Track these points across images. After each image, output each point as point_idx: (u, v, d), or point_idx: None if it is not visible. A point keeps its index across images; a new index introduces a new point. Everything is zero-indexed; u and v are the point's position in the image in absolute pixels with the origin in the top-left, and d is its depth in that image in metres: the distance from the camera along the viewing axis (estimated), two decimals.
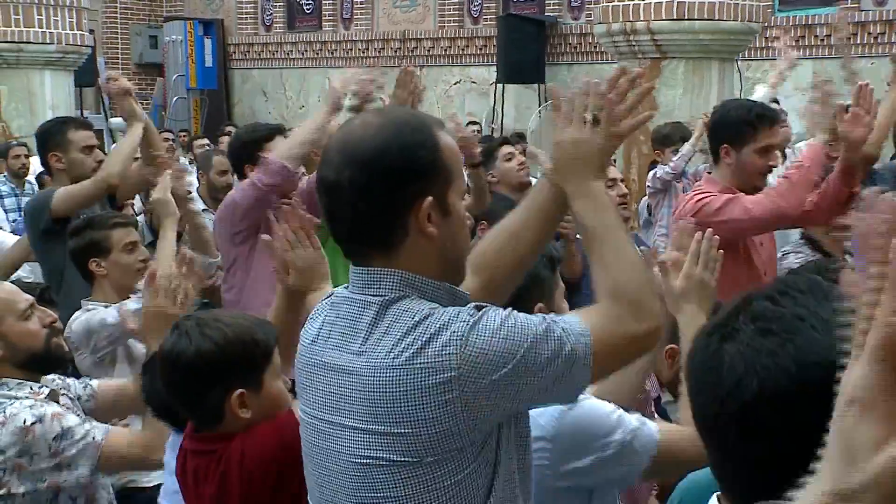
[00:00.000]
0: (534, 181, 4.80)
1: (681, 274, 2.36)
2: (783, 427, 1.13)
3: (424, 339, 1.61)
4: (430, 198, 1.67)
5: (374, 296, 1.69)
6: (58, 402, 2.82)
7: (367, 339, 1.66)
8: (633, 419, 2.19)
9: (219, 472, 2.23)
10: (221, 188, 6.27)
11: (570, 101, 1.88)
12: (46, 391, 2.84)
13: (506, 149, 5.27)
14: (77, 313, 3.66)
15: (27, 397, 2.76)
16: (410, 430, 1.61)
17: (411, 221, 1.67)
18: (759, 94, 5.28)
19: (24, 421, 2.65)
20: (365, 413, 1.65)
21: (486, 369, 1.59)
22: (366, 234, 1.71)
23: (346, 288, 1.76)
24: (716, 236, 2.38)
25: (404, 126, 1.70)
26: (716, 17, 7.82)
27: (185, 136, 11.98)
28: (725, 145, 3.83)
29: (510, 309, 1.67)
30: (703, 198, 3.79)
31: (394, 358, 1.62)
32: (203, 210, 6.20)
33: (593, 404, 2.18)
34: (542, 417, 2.14)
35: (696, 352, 1.22)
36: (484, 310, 1.65)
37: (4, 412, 2.69)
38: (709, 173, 4.21)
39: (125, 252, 3.72)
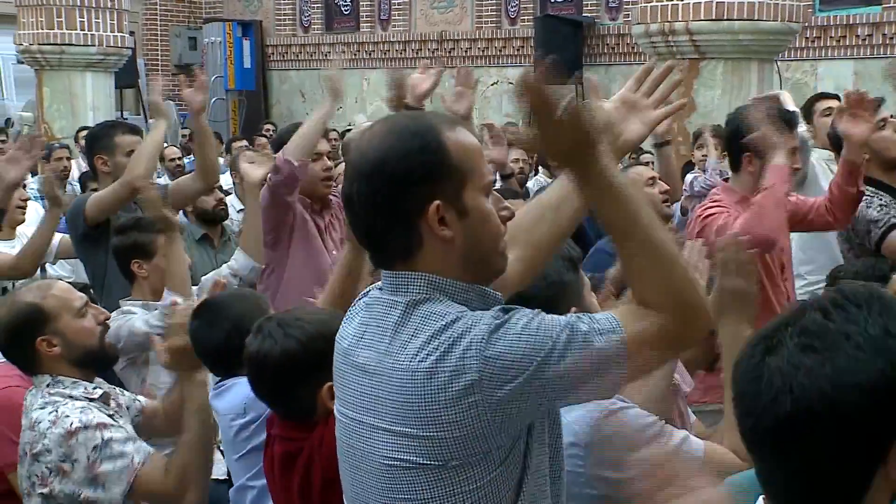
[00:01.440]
0: None
1: (715, 288, 2.33)
2: (815, 446, 1.13)
3: (449, 343, 1.60)
4: (437, 202, 1.65)
5: (401, 297, 1.69)
6: (108, 404, 2.85)
7: (394, 339, 1.67)
8: (677, 435, 2.17)
9: (304, 459, 2.27)
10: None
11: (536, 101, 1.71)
12: (100, 391, 2.86)
13: None
14: (114, 313, 3.70)
15: (82, 397, 2.79)
16: (435, 434, 1.60)
17: (423, 227, 1.66)
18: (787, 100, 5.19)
19: (71, 424, 2.67)
20: (392, 415, 1.65)
21: (510, 373, 1.57)
22: (383, 243, 1.71)
23: (380, 289, 1.76)
24: (745, 237, 2.35)
25: (405, 131, 1.69)
26: (755, 17, 7.75)
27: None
28: (748, 153, 3.77)
29: (538, 310, 1.64)
30: (710, 214, 3.75)
31: (420, 361, 1.61)
32: (240, 210, 6.24)
33: (634, 413, 2.16)
34: (577, 424, 2.13)
35: (741, 360, 1.22)
36: (511, 312, 1.62)
37: (57, 411, 2.71)
38: (726, 180, 4.15)
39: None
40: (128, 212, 4.27)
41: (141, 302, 3.71)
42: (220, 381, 2.83)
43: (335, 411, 1.87)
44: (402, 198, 1.65)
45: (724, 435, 2.26)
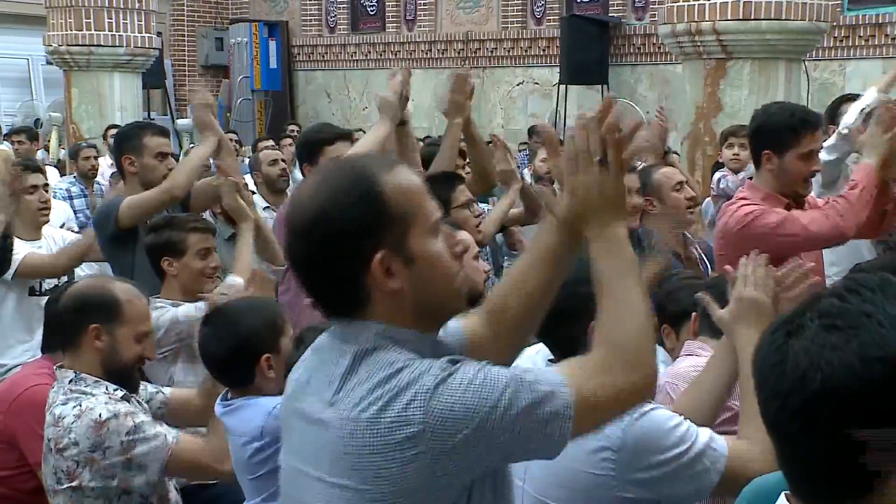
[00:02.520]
0: None
1: (732, 297, 2.33)
2: (845, 422, 1.12)
3: (394, 392, 1.54)
4: (379, 254, 1.58)
5: (351, 346, 1.63)
6: (129, 402, 2.87)
7: (340, 389, 1.60)
8: (703, 434, 2.16)
9: None
10: (277, 178, 6.34)
11: (574, 141, 1.74)
12: (121, 393, 2.88)
13: None
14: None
15: (103, 395, 2.81)
16: (374, 487, 1.54)
17: (369, 282, 1.59)
18: (869, 98, 5.16)
19: (100, 415, 2.70)
20: (331, 466, 1.59)
21: (454, 426, 1.52)
22: (331, 301, 1.65)
23: (329, 333, 1.71)
24: (764, 253, 2.35)
25: (340, 183, 1.61)
26: (783, 17, 7.70)
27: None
28: (767, 151, 3.75)
29: (486, 363, 1.58)
30: (752, 210, 3.71)
31: (361, 411, 1.55)
32: (265, 207, 6.27)
33: (661, 415, 2.15)
34: (608, 427, 2.13)
35: (761, 347, 1.22)
36: (458, 364, 1.56)
37: (80, 405, 2.74)
38: (750, 178, 4.14)
39: (198, 257, 3.80)
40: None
41: (170, 301, 3.73)
42: (228, 396, 2.82)
43: (279, 457, 1.81)
44: (343, 254, 1.59)
45: (741, 430, 2.26)
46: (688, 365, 2.80)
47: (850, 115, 5.04)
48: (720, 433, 2.84)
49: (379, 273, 1.58)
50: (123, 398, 2.85)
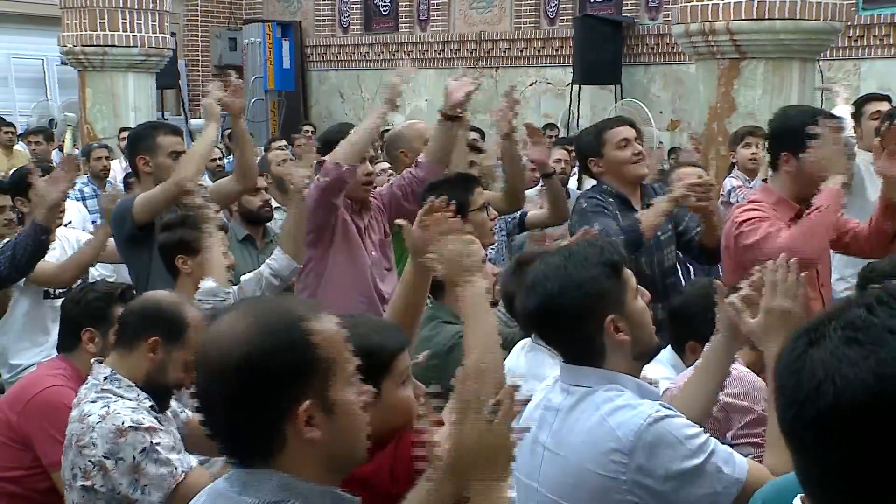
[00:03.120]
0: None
1: (761, 309, 2.27)
2: (857, 437, 1.12)
3: None
4: (306, 403, 1.52)
5: (250, 498, 1.55)
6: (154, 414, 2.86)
7: None
8: (720, 452, 2.14)
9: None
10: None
11: (465, 395, 1.81)
12: (150, 403, 2.83)
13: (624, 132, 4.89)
14: None
15: (133, 399, 2.81)
16: None
17: (289, 429, 1.53)
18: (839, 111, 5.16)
19: (122, 422, 2.67)
20: None
21: None
22: (243, 444, 1.57)
23: (228, 481, 1.63)
24: (793, 259, 2.31)
25: (270, 327, 1.55)
26: (797, 17, 7.68)
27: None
28: (786, 153, 3.73)
29: None
30: (749, 219, 3.69)
31: None
32: (276, 207, 6.28)
33: (678, 423, 2.13)
34: (620, 429, 2.12)
35: (783, 353, 1.22)
36: None
37: (108, 406, 2.72)
38: (765, 180, 4.11)
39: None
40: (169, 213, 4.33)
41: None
42: None
43: None
44: (269, 398, 1.52)
45: (766, 454, 2.24)
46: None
47: (841, 105, 5.03)
48: (742, 434, 2.82)
49: (302, 421, 1.53)
50: (151, 408, 2.82)
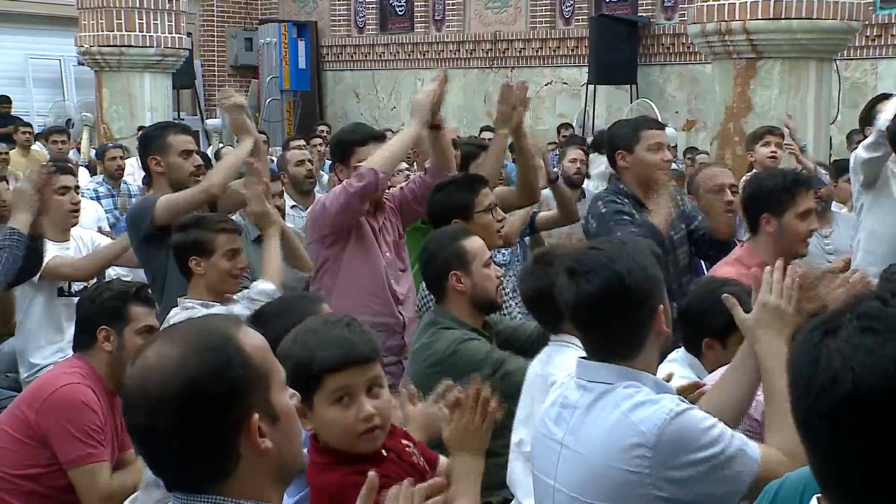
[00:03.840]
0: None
1: (756, 303, 2.34)
2: (874, 426, 1.12)
3: None
4: (255, 414, 1.53)
5: None
6: None
7: None
8: (736, 438, 2.17)
9: None
10: (303, 179, 6.35)
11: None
12: None
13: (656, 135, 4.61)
14: (175, 310, 3.74)
15: None
16: None
17: (243, 444, 1.53)
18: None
19: None
20: None
21: None
22: (196, 473, 1.54)
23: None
24: (800, 269, 2.35)
25: (204, 349, 1.53)
26: (814, 16, 7.64)
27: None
28: (766, 214, 3.78)
29: None
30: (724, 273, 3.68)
31: None
32: (292, 206, 6.29)
33: (696, 415, 2.16)
34: (643, 424, 2.13)
35: (797, 345, 1.22)
36: None
37: None
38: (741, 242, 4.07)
39: (226, 258, 3.79)
40: None
41: (200, 301, 3.75)
42: None
43: None
44: (219, 419, 1.51)
45: (767, 437, 2.26)
46: None
47: (889, 111, 4.98)
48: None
49: (255, 433, 1.53)
50: None
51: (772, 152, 6.35)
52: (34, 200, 4.04)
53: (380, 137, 4.55)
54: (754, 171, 6.50)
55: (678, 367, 3.08)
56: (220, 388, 1.51)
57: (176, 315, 3.68)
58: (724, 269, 3.78)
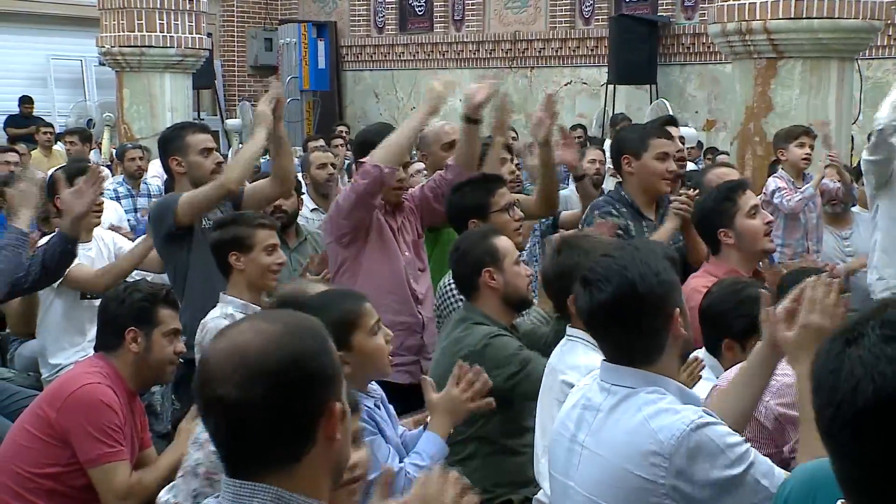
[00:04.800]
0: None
1: (797, 323, 2.26)
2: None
3: None
4: (338, 402, 1.57)
5: None
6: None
7: None
8: (760, 461, 2.14)
9: None
10: (323, 181, 6.37)
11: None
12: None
13: (662, 144, 4.57)
14: (214, 311, 3.78)
15: None
16: None
17: (320, 431, 1.56)
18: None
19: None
20: None
21: None
22: (270, 453, 1.55)
23: (214, 499, 1.64)
24: (837, 279, 2.29)
25: (303, 330, 1.59)
26: (836, 16, 7.59)
27: None
28: (721, 230, 3.84)
29: None
30: (695, 287, 3.64)
31: None
32: (313, 209, 6.31)
33: (720, 431, 2.13)
34: (662, 433, 2.12)
35: (820, 354, 1.21)
36: None
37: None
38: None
39: (265, 252, 3.83)
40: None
41: (241, 303, 3.78)
42: None
43: None
44: (310, 399, 1.55)
45: (800, 453, 2.23)
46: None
47: (884, 109, 4.96)
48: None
49: (337, 420, 1.56)
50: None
51: (806, 154, 6.29)
52: (38, 200, 4.10)
53: None
54: (780, 171, 6.41)
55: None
56: (315, 367, 1.56)
57: (215, 318, 3.71)
58: (695, 280, 3.79)
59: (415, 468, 2.82)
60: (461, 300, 3.86)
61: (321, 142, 8.96)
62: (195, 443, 2.74)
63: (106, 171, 9.12)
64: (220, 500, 1.58)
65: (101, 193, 5.16)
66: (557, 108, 4.60)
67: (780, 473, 2.14)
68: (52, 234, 4.31)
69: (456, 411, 2.95)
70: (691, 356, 2.81)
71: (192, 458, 2.71)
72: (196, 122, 5.21)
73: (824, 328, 2.22)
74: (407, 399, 3.96)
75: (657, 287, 2.22)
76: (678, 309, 2.26)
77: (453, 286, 3.99)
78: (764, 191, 6.41)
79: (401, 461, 2.88)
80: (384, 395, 3.01)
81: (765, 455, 2.24)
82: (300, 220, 5.78)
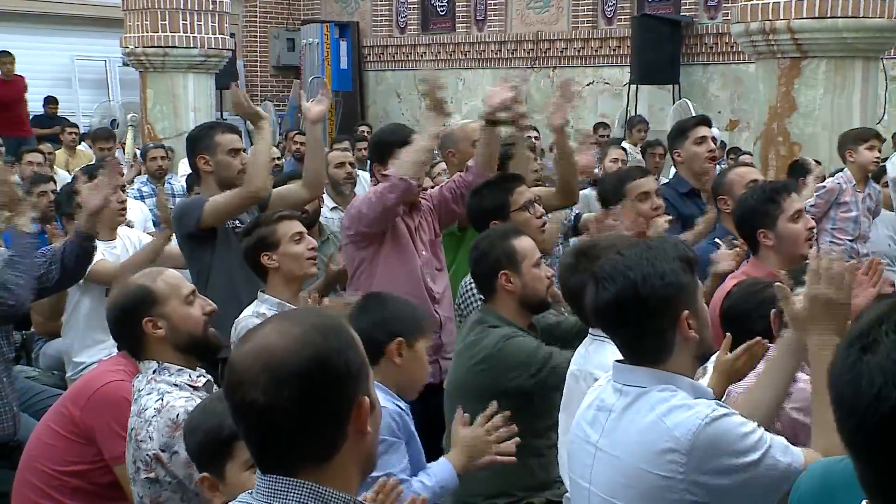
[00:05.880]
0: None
1: (805, 295, 2.28)
2: None
3: None
4: (366, 397, 1.57)
5: None
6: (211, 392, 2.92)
7: None
8: (776, 444, 2.14)
9: None
10: (340, 181, 6.38)
11: None
12: (204, 380, 2.95)
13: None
14: (248, 309, 3.81)
15: (186, 386, 2.88)
16: None
17: (352, 427, 1.56)
18: None
19: (177, 416, 2.74)
20: None
21: None
22: (303, 452, 1.55)
23: (247, 494, 1.63)
24: (839, 254, 2.29)
25: (326, 329, 1.58)
26: (860, 15, 7.56)
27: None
28: (760, 230, 3.82)
29: None
30: (727, 285, 3.66)
31: None
32: (333, 208, 6.33)
33: (734, 420, 2.14)
34: (677, 429, 2.12)
35: (836, 363, 1.20)
36: None
37: (163, 399, 2.79)
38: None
39: (293, 242, 3.85)
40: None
41: (276, 301, 3.79)
42: None
43: None
44: (339, 397, 1.55)
45: (814, 439, 2.23)
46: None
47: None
48: None
49: (366, 414, 1.57)
50: (206, 387, 2.91)
51: (876, 158, 6.23)
52: (21, 196, 4.07)
53: None
54: (846, 174, 6.32)
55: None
56: (341, 365, 1.55)
57: (247, 318, 3.72)
58: (731, 282, 3.75)
59: (421, 486, 2.83)
60: (481, 299, 3.86)
61: (346, 143, 8.98)
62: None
63: (126, 170, 9.19)
64: (255, 496, 1.58)
65: (124, 190, 5.19)
66: (574, 93, 4.64)
67: (797, 450, 2.15)
68: (69, 235, 4.31)
69: (475, 450, 2.95)
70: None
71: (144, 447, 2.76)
72: (225, 122, 5.24)
73: (832, 298, 2.24)
74: (425, 399, 3.97)
75: (660, 289, 2.20)
76: (687, 311, 2.24)
77: (474, 285, 3.99)
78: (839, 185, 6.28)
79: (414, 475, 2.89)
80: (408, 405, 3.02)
81: None
82: (323, 220, 5.80)
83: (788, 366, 2.40)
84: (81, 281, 4.64)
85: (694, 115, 7.03)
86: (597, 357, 3.03)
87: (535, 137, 8.04)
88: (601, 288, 2.26)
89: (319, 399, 1.53)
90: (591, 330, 3.15)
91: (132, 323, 2.96)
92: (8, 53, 12.82)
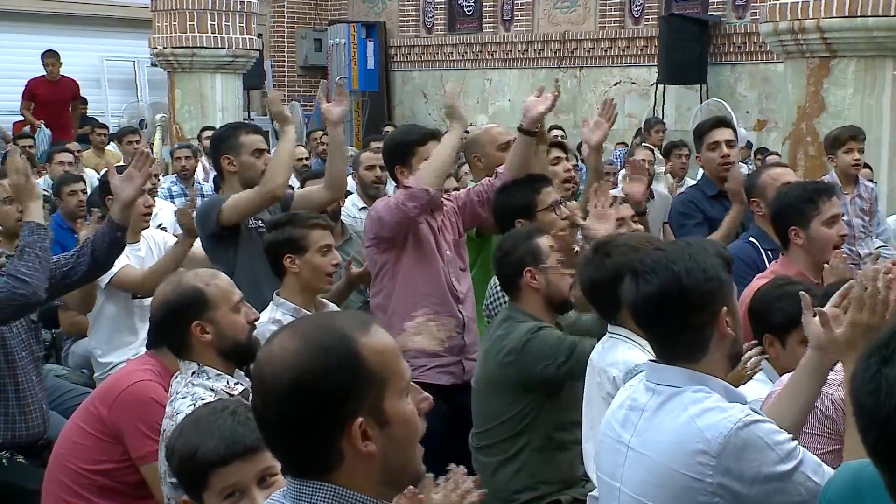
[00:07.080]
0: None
1: (846, 320, 2.25)
2: None
3: None
4: (360, 419, 1.56)
5: None
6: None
7: None
8: (809, 459, 2.13)
9: None
10: (370, 183, 6.37)
11: None
12: (241, 388, 2.93)
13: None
14: (264, 314, 3.78)
15: (223, 391, 2.87)
16: None
17: (345, 445, 1.56)
18: None
19: None
20: None
21: None
22: (301, 463, 1.59)
23: (280, 492, 1.66)
24: (890, 275, 2.26)
25: (319, 348, 1.57)
26: (891, 14, 7.49)
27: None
28: (793, 227, 3.80)
29: None
30: (756, 284, 3.61)
31: None
32: (361, 208, 6.34)
33: (767, 428, 2.12)
34: (708, 431, 2.11)
35: (856, 375, 1.20)
36: None
37: (196, 403, 2.78)
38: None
39: (320, 253, 3.80)
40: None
41: (292, 307, 3.77)
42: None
43: None
44: (323, 419, 1.55)
45: (845, 456, 2.21)
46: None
47: None
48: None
49: (357, 437, 1.56)
50: (242, 394, 2.88)
51: (855, 160, 6.15)
52: (33, 187, 3.96)
53: (436, 136, 4.51)
54: (832, 175, 6.31)
55: (756, 382, 3.03)
56: (324, 388, 1.55)
57: (264, 324, 3.70)
58: (759, 281, 3.73)
59: None
60: (504, 298, 3.87)
61: (380, 144, 8.98)
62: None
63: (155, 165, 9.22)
64: (285, 496, 1.61)
65: (153, 194, 5.19)
66: (616, 114, 4.70)
67: (828, 470, 2.13)
68: (101, 226, 4.28)
69: None
70: (745, 355, 2.78)
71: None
72: (249, 123, 5.26)
73: (874, 325, 2.22)
74: (450, 400, 3.97)
75: (703, 283, 2.20)
76: (726, 308, 2.24)
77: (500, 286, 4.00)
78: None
79: None
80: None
81: (834, 450, 2.23)
82: (349, 220, 5.80)
83: (811, 386, 2.39)
84: (104, 286, 4.65)
85: (716, 116, 6.96)
86: (610, 355, 3.05)
87: (562, 137, 8.03)
88: (643, 281, 2.25)
89: (299, 418, 1.56)
90: (609, 327, 3.15)
91: (181, 325, 2.95)
92: (53, 53, 12.47)
